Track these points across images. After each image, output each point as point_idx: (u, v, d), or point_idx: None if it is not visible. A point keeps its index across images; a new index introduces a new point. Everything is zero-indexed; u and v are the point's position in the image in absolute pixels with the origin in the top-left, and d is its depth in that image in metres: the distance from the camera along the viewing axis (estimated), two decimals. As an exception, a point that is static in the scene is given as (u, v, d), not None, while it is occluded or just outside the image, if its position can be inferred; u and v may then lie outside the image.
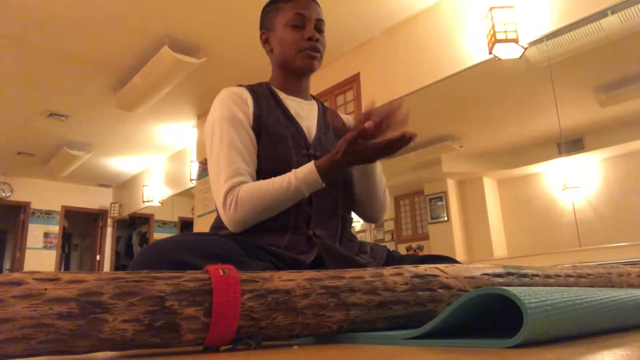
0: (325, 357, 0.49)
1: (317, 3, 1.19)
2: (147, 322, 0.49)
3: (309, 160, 1.11)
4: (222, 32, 3.53)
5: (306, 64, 1.15)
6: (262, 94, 1.16)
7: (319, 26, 1.17)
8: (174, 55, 3.51)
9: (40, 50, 3.67)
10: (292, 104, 1.18)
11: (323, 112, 1.25)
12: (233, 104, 1.11)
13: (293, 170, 1.01)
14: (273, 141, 1.09)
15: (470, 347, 0.49)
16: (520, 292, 0.46)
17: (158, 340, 0.50)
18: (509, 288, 0.47)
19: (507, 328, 0.50)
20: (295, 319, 0.58)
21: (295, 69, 1.17)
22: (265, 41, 1.22)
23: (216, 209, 1.10)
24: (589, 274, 0.89)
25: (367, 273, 0.66)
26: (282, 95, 1.19)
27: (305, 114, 1.19)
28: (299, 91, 1.21)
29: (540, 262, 2.49)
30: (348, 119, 1.33)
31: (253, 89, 1.16)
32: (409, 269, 0.69)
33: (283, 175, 1.02)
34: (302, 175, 1.00)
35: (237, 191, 1.02)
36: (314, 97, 1.28)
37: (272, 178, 1.02)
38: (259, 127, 1.10)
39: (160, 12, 3.27)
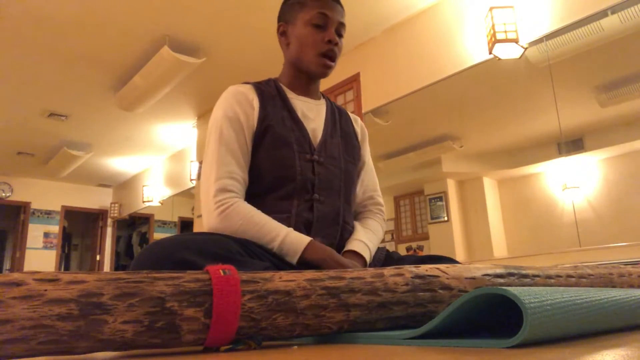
0: (325, 357, 0.49)
1: (342, 6, 1.16)
2: (147, 323, 0.49)
3: (312, 166, 1.09)
4: (222, 32, 3.54)
5: (320, 72, 1.13)
6: (269, 93, 1.13)
7: (339, 30, 1.14)
8: (174, 55, 3.51)
9: (40, 50, 3.67)
10: (300, 104, 1.16)
11: (332, 112, 1.23)
12: (237, 104, 1.09)
13: (289, 231, 0.99)
14: (277, 144, 1.07)
15: (470, 347, 0.49)
16: (520, 292, 0.46)
17: (158, 341, 0.50)
18: (509, 288, 0.47)
19: (507, 328, 0.50)
20: (295, 319, 0.57)
21: (307, 72, 1.15)
22: (282, 33, 1.18)
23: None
24: (589, 275, 0.89)
25: (368, 273, 0.66)
26: (291, 95, 1.16)
27: (313, 115, 1.17)
28: (309, 91, 1.19)
29: (541, 262, 2.49)
30: (356, 119, 1.32)
31: (260, 88, 1.14)
32: (410, 270, 0.69)
33: (278, 225, 0.99)
34: (290, 241, 0.97)
35: (233, 202, 1.01)
36: (324, 96, 1.25)
37: (269, 219, 1.00)
38: (264, 128, 1.08)
39: (160, 12, 3.27)
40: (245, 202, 1.03)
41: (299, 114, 1.14)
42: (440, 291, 0.69)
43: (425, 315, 0.67)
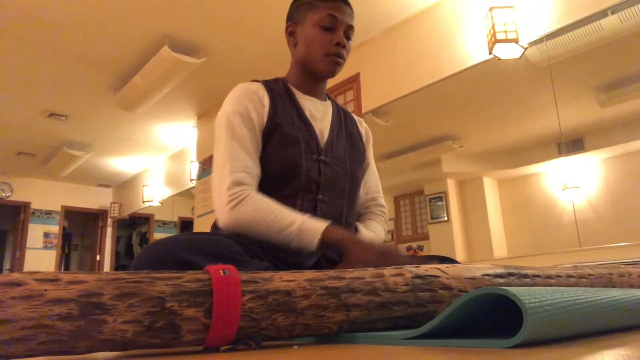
0: (325, 357, 0.49)
1: (351, 8, 1.16)
2: (147, 323, 0.49)
3: (318, 166, 1.09)
4: (222, 32, 3.53)
5: (329, 70, 1.13)
6: (278, 92, 1.13)
7: (347, 33, 1.13)
8: (174, 55, 3.51)
9: (40, 50, 3.67)
10: (308, 103, 1.16)
11: (337, 113, 1.23)
12: (249, 101, 1.08)
13: (306, 217, 0.97)
14: (284, 143, 1.07)
15: (470, 347, 0.49)
16: (520, 292, 0.46)
17: (158, 341, 0.50)
18: (509, 288, 0.47)
19: (507, 328, 0.50)
20: (295, 319, 0.57)
21: (316, 72, 1.14)
22: (290, 34, 1.18)
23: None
24: (589, 275, 0.89)
25: (368, 273, 0.66)
26: (298, 95, 1.16)
27: (320, 115, 1.17)
28: (316, 91, 1.19)
29: (540, 262, 2.49)
30: (360, 121, 1.32)
31: (270, 86, 1.14)
32: (410, 269, 0.69)
33: (294, 212, 0.98)
34: (309, 225, 0.95)
35: (247, 193, 0.99)
36: (329, 97, 1.25)
37: (284, 207, 0.99)
38: (272, 127, 1.08)
39: (160, 12, 3.27)
40: (259, 194, 1.01)
41: (307, 114, 1.14)
42: (441, 291, 0.69)
43: (425, 315, 0.67)
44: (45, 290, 0.46)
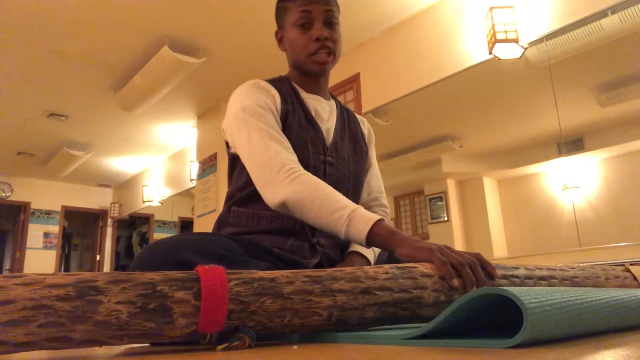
0: (325, 357, 0.49)
1: None
2: (140, 305, 0.52)
3: (324, 167, 1.09)
4: (222, 32, 3.54)
5: (317, 69, 1.11)
6: (285, 91, 1.12)
7: (329, 19, 1.09)
8: (174, 55, 3.51)
9: (40, 50, 3.68)
10: (314, 102, 1.15)
11: (341, 112, 1.23)
12: (264, 96, 1.08)
13: (359, 207, 0.91)
14: (292, 144, 1.05)
15: (470, 347, 0.49)
16: (520, 292, 0.46)
17: (152, 325, 0.52)
18: (509, 288, 0.47)
19: (507, 328, 0.50)
20: (283, 304, 0.59)
21: (308, 72, 1.14)
22: (279, 40, 1.18)
23: (233, 178, 1.09)
24: (571, 268, 0.90)
25: (348, 268, 0.69)
26: (304, 94, 1.16)
27: (326, 115, 1.17)
28: (318, 89, 1.18)
29: (540, 262, 2.50)
30: (363, 121, 1.32)
31: (277, 86, 1.12)
32: (389, 265, 0.72)
33: (345, 199, 0.93)
34: (360, 214, 0.88)
35: (303, 171, 0.96)
36: (332, 96, 1.24)
37: (336, 191, 0.94)
38: (284, 127, 1.07)
39: (160, 12, 3.27)
40: (312, 175, 0.98)
41: (313, 114, 1.13)
42: (422, 278, 0.70)
43: (412, 301, 0.68)
44: (45, 278, 0.51)
